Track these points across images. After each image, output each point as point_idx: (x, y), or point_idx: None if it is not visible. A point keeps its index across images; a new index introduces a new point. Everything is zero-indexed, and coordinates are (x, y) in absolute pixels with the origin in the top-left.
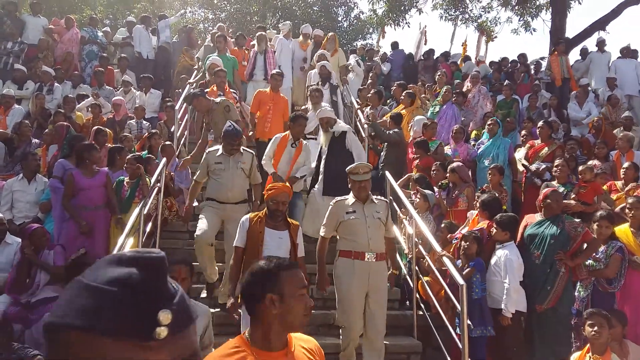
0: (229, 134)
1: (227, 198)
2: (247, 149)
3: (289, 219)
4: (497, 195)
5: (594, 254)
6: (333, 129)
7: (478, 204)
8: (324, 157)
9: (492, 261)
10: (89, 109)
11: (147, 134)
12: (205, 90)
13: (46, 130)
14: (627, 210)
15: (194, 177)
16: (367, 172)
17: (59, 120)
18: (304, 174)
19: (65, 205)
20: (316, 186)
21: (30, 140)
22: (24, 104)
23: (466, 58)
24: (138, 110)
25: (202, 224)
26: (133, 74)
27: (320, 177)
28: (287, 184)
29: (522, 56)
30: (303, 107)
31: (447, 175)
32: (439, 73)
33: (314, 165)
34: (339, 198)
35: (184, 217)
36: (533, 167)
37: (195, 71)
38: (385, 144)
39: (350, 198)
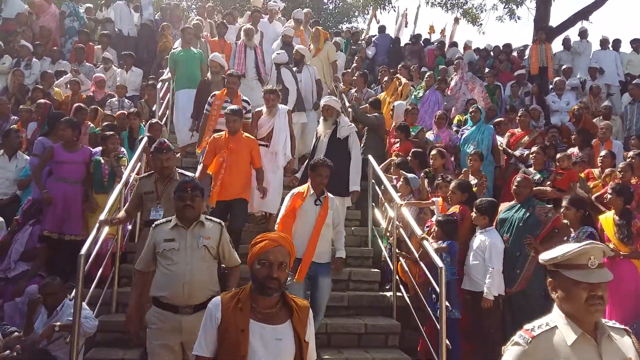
0: (180, 184)
1: (184, 297)
2: (213, 218)
3: (290, 297)
4: (467, 179)
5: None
6: (338, 129)
7: (451, 188)
8: (323, 151)
9: (474, 245)
10: (68, 86)
11: (125, 112)
12: (214, 93)
13: (21, 107)
14: (606, 195)
15: (135, 265)
16: None
17: (38, 96)
18: (342, 250)
19: (34, 172)
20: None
21: (8, 117)
22: (0, 78)
23: (453, 44)
24: (119, 89)
25: None
26: (114, 52)
27: None
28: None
29: (507, 46)
30: (258, 109)
31: (431, 161)
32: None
33: (342, 226)
34: None
35: (129, 329)
36: (517, 152)
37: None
38: (367, 128)
39: None
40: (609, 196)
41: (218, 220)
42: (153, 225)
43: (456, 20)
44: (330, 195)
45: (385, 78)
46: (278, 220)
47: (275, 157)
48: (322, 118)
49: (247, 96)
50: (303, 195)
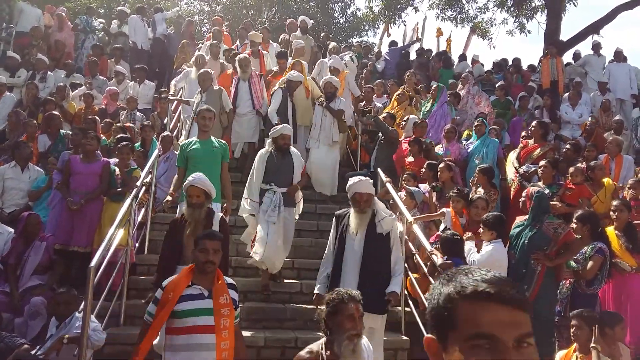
0: None
1: None
2: None
3: None
4: (464, 189)
5: (574, 255)
6: (377, 222)
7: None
8: (359, 254)
9: (476, 258)
10: (82, 98)
11: (140, 124)
12: (170, 279)
13: (26, 121)
14: (611, 213)
15: None
16: None
17: (51, 108)
18: None
19: (58, 187)
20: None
21: (22, 129)
22: (15, 91)
23: (462, 58)
24: (130, 101)
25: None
26: (127, 65)
27: (355, 280)
28: None
29: (517, 60)
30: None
31: (439, 174)
32: (407, 73)
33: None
34: None
35: None
36: (522, 169)
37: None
38: (378, 141)
39: None
40: (613, 214)
41: None
42: None
43: (472, 31)
44: None
45: (398, 91)
46: None
47: None
48: (353, 210)
49: (239, 132)
50: None
